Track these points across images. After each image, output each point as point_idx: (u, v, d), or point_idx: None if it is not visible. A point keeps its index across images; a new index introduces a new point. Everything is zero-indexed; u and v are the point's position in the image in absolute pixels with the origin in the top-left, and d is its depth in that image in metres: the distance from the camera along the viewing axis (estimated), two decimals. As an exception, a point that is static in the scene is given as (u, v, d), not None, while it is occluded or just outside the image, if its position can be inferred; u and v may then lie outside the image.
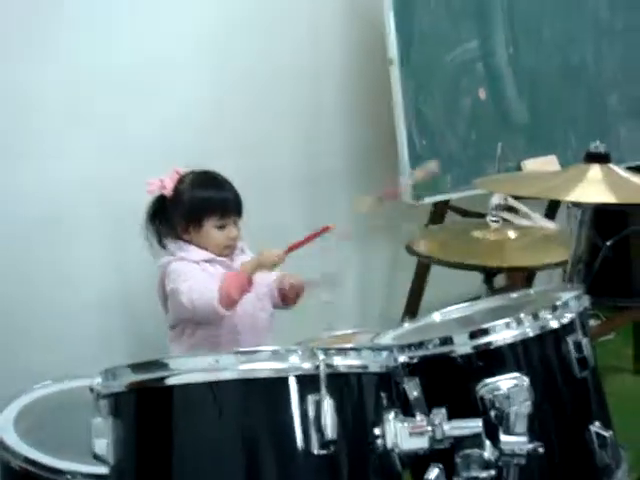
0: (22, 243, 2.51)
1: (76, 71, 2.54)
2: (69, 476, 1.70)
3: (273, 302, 2.39)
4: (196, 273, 2.25)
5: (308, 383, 1.31)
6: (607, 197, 1.93)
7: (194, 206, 2.29)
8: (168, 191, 2.32)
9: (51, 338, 2.56)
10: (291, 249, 2.24)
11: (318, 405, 1.28)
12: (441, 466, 1.45)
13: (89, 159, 2.59)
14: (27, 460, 1.77)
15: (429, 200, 3.04)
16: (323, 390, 1.29)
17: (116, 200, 2.64)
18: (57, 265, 2.59)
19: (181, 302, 2.21)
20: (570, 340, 1.64)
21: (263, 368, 1.31)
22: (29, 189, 2.50)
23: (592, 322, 3.86)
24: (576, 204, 2.05)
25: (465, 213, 3.25)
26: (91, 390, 1.41)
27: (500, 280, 3.37)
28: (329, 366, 1.31)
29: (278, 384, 1.31)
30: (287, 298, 2.37)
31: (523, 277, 3.59)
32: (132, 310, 2.76)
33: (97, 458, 1.40)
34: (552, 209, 3.62)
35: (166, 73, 2.73)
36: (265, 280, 2.35)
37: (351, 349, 1.39)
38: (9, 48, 2.42)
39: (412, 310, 3.19)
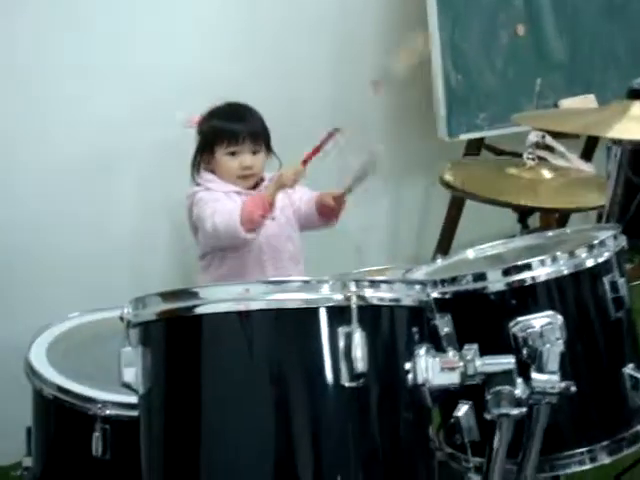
0: (60, 188, 2.52)
1: (114, 17, 2.53)
2: (100, 405, 1.72)
3: (313, 222, 2.39)
4: (222, 202, 2.27)
5: (339, 315, 1.29)
6: (650, 134, 1.88)
7: (206, 134, 2.34)
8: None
9: (83, 279, 2.58)
10: (306, 161, 2.25)
11: (349, 337, 1.27)
12: (470, 403, 1.44)
13: (121, 100, 2.58)
14: (59, 388, 1.80)
15: (464, 137, 2.99)
16: (354, 322, 1.27)
17: (150, 138, 2.63)
18: (89, 207, 2.59)
19: (205, 228, 2.25)
20: (606, 279, 1.61)
21: (293, 298, 1.29)
22: (59, 134, 2.50)
23: (627, 265, 3.84)
24: (616, 142, 2.00)
25: (500, 152, 3.19)
26: (121, 319, 1.41)
27: (534, 220, 3.34)
28: (361, 298, 1.29)
29: (308, 315, 1.30)
30: (329, 214, 2.36)
31: (557, 218, 3.55)
32: (163, 249, 2.77)
33: (126, 386, 1.40)
34: (589, 150, 3.56)
35: (199, 29, 2.70)
36: (289, 207, 2.36)
37: (383, 281, 1.36)
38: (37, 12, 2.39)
39: (444, 248, 3.17)
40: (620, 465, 2.36)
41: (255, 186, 2.35)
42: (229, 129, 2.30)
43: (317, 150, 2.26)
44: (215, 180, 2.33)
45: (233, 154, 2.30)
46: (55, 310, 2.14)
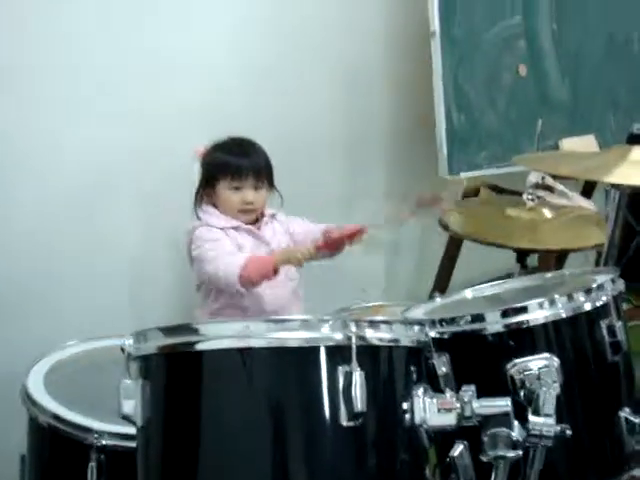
0: (56, 212, 2.51)
1: (114, 40, 2.52)
2: (96, 434, 1.72)
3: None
4: (222, 242, 2.27)
5: (339, 354, 1.30)
6: (649, 180, 1.90)
7: (209, 167, 2.34)
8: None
9: (83, 304, 2.57)
10: (320, 248, 2.24)
11: (348, 376, 1.28)
12: (466, 443, 1.45)
13: (124, 127, 2.58)
14: (55, 417, 1.79)
15: (464, 175, 3.01)
16: (354, 361, 1.28)
17: (150, 168, 2.64)
18: (90, 234, 2.59)
19: (205, 270, 2.25)
20: (604, 323, 1.63)
21: (294, 337, 1.31)
22: (67, 156, 2.49)
23: (623, 306, 3.84)
24: (615, 186, 2.02)
25: (500, 190, 3.21)
26: (122, 350, 1.42)
27: (532, 259, 3.35)
28: (361, 338, 1.31)
29: (308, 354, 1.31)
30: (335, 247, 2.32)
31: (555, 258, 3.56)
32: (163, 278, 2.77)
33: (125, 418, 1.40)
34: (588, 191, 3.58)
35: (202, 38, 2.71)
36: (287, 238, 2.37)
37: (383, 322, 1.38)
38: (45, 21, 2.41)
39: (442, 286, 3.17)
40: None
41: (255, 221, 2.36)
42: (233, 164, 2.30)
43: (334, 243, 2.25)
44: (215, 214, 2.33)
45: (236, 189, 2.31)
46: (53, 337, 2.13)
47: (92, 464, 1.71)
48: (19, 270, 2.45)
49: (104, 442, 1.71)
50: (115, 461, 1.71)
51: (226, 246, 2.27)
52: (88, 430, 1.73)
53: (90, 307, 2.57)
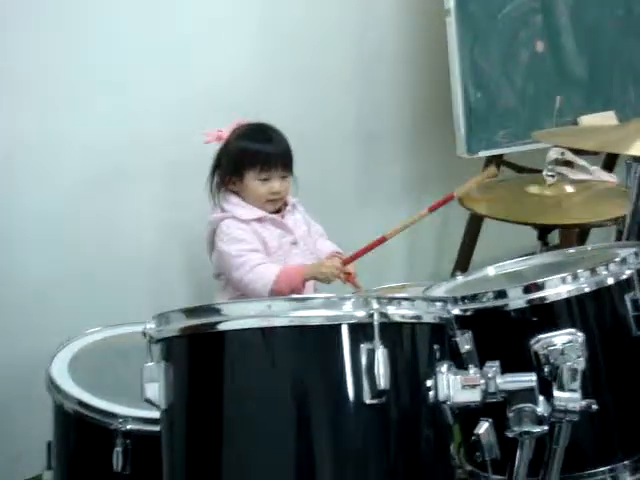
0: (74, 203, 2.52)
1: (127, 30, 2.52)
2: (121, 419, 1.73)
3: None
4: (247, 245, 2.26)
5: (361, 332, 1.30)
6: (671, 151, 1.88)
7: (236, 157, 2.30)
8: (223, 141, 2.34)
9: (104, 295, 2.58)
10: (348, 261, 2.29)
11: (371, 354, 1.27)
12: (490, 420, 1.44)
13: (142, 115, 2.58)
14: (80, 403, 1.81)
15: (483, 154, 2.99)
16: (377, 339, 1.28)
17: (169, 155, 2.64)
18: (109, 224, 2.60)
19: (231, 274, 2.26)
20: (628, 297, 1.61)
21: (316, 315, 1.30)
22: (79, 148, 2.49)
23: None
24: (636, 159, 2.00)
25: (519, 169, 3.19)
26: (144, 334, 1.42)
27: (553, 237, 3.33)
28: (383, 315, 1.30)
29: (331, 332, 1.30)
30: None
31: (576, 234, 3.54)
32: (183, 264, 2.78)
33: (148, 402, 1.41)
34: (609, 166, 3.55)
35: (218, 31, 2.70)
36: (309, 237, 2.38)
37: (405, 299, 1.37)
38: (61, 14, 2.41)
39: (463, 265, 3.16)
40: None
41: (278, 210, 2.35)
42: (262, 153, 2.28)
43: (361, 254, 2.29)
44: (241, 204, 2.30)
45: (265, 180, 2.28)
46: (73, 327, 2.14)
47: (117, 449, 1.73)
48: (37, 261, 2.46)
49: (129, 427, 1.72)
50: (140, 445, 1.72)
51: (253, 254, 2.25)
52: (113, 415, 1.75)
53: (108, 298, 2.58)
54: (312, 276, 2.25)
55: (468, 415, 1.48)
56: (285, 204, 2.37)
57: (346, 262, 2.29)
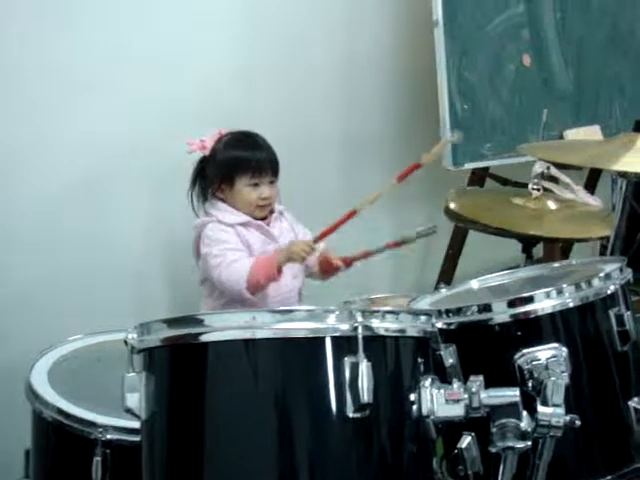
0: (59, 208, 2.50)
1: (112, 36, 2.51)
2: (101, 429, 1.71)
3: (308, 270, 2.40)
4: (229, 245, 2.26)
5: (345, 345, 1.29)
6: (656, 168, 1.89)
7: (226, 164, 2.30)
8: (207, 151, 2.35)
9: (87, 301, 2.56)
10: (319, 238, 2.26)
11: (355, 367, 1.27)
12: (473, 435, 1.44)
13: (126, 122, 2.57)
14: (59, 411, 1.78)
15: (468, 166, 2.99)
16: (360, 352, 1.27)
17: (154, 162, 2.62)
18: (94, 231, 2.58)
19: (210, 274, 2.25)
20: (612, 312, 1.61)
21: (299, 327, 1.29)
22: (66, 154, 2.48)
23: (634, 298, 3.82)
24: (621, 174, 2.01)
25: (505, 182, 3.19)
26: (125, 343, 1.40)
27: (537, 251, 3.33)
28: (367, 328, 1.30)
29: (314, 344, 1.30)
30: (325, 273, 2.38)
31: (560, 249, 3.55)
32: (170, 272, 2.76)
33: (129, 412, 1.40)
34: (593, 181, 3.56)
35: (200, 35, 2.69)
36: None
37: (389, 312, 1.36)
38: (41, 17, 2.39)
39: (447, 277, 3.16)
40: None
41: (264, 217, 2.35)
42: (255, 160, 2.29)
43: (333, 229, 2.27)
44: (228, 209, 2.30)
45: (255, 185, 2.29)
46: (55, 333, 2.12)
47: (97, 459, 1.70)
48: (18, 267, 2.44)
49: (109, 436, 1.70)
50: (120, 455, 1.70)
51: (231, 252, 2.25)
52: (93, 424, 1.73)
53: (91, 303, 2.56)
54: (285, 259, 2.23)
55: (451, 429, 1.48)
56: (272, 211, 2.37)
57: (316, 240, 2.27)
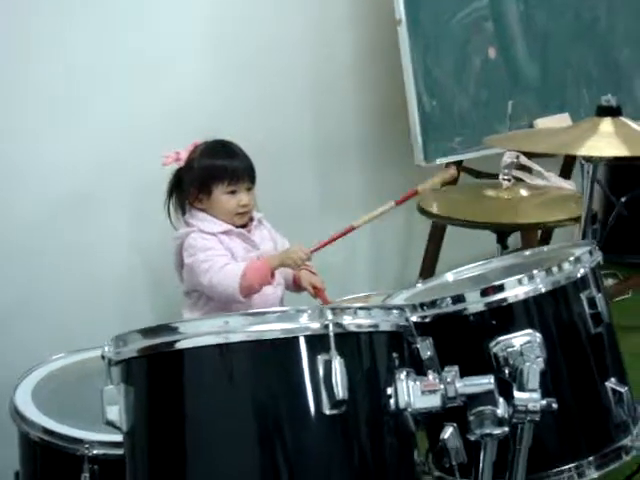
0: (44, 223, 2.51)
1: (91, 53, 2.52)
2: (87, 445, 1.72)
3: (285, 282, 2.42)
4: (215, 251, 2.26)
5: (317, 343, 1.30)
6: (619, 150, 1.91)
7: (203, 173, 2.31)
8: (182, 162, 2.35)
9: (73, 314, 2.57)
10: (317, 249, 2.30)
11: (328, 365, 1.28)
12: (455, 425, 1.45)
13: (106, 138, 2.58)
14: (45, 430, 1.79)
15: (440, 161, 3.01)
16: (332, 350, 1.28)
17: (134, 177, 2.64)
18: (73, 247, 2.58)
19: (200, 281, 2.25)
20: (583, 296, 1.63)
21: (272, 329, 1.30)
22: (49, 170, 2.49)
23: (610, 281, 3.86)
24: (588, 159, 2.03)
25: (478, 174, 3.22)
26: (102, 357, 1.41)
27: (517, 242, 3.35)
28: (338, 325, 1.31)
29: (288, 345, 1.31)
30: (299, 288, 2.41)
31: (539, 236, 3.58)
32: (155, 285, 2.77)
33: (110, 424, 1.40)
34: (567, 168, 3.59)
35: (168, 47, 2.70)
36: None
37: (361, 308, 1.38)
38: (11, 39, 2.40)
39: (428, 273, 3.17)
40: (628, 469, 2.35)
41: (244, 225, 2.35)
42: (229, 168, 2.29)
43: (329, 242, 2.32)
44: (207, 219, 2.31)
45: (232, 193, 2.30)
46: (41, 351, 2.13)
47: (85, 475, 1.71)
48: (3, 283, 2.44)
49: (95, 452, 1.71)
50: (108, 470, 1.71)
51: (220, 257, 2.25)
52: (79, 441, 1.73)
53: (77, 320, 2.57)
54: (280, 264, 2.24)
55: (434, 421, 1.49)
56: (251, 219, 2.38)
57: (313, 250, 2.29)
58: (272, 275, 2.23)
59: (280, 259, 2.25)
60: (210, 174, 2.30)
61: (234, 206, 2.30)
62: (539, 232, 3.58)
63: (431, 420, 1.55)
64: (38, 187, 2.48)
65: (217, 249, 2.27)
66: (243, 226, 2.35)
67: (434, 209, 2.43)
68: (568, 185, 2.75)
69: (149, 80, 2.65)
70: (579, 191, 2.36)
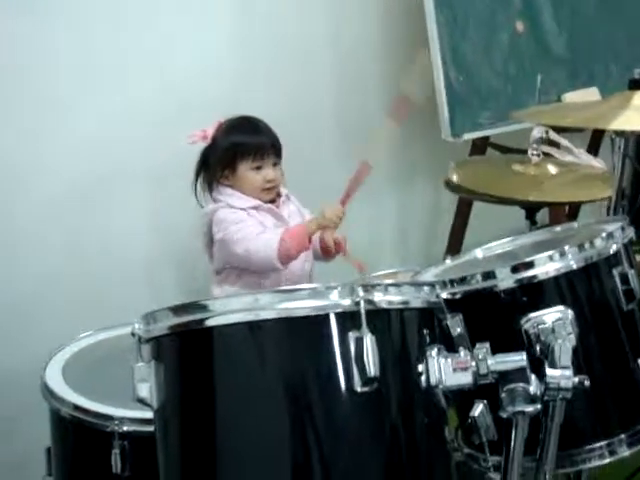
0: (63, 210, 2.53)
1: (107, 36, 2.52)
2: (117, 421, 1.74)
3: (314, 254, 2.41)
4: (247, 223, 2.27)
5: (348, 320, 1.29)
6: (652, 124, 1.88)
7: (227, 150, 2.31)
8: (209, 140, 2.35)
9: (97, 301, 2.58)
10: (345, 200, 2.28)
11: (359, 342, 1.27)
12: (485, 402, 1.44)
13: (125, 121, 2.59)
14: (76, 407, 1.81)
15: (468, 137, 2.99)
16: (364, 327, 1.27)
17: (154, 158, 2.64)
18: (100, 228, 2.61)
19: (234, 252, 2.25)
20: (616, 272, 1.61)
21: (302, 306, 1.30)
22: (65, 157, 2.50)
23: (638, 258, 3.82)
24: (619, 133, 2.00)
25: (506, 150, 3.19)
26: (133, 335, 1.41)
27: (544, 218, 3.33)
28: (369, 302, 1.30)
29: (318, 322, 1.30)
30: (328, 252, 2.38)
31: (566, 214, 3.54)
32: (178, 266, 2.77)
33: (141, 402, 1.41)
34: (595, 143, 3.55)
35: (195, 30, 2.70)
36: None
37: (391, 285, 1.36)
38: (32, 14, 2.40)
39: (454, 249, 3.16)
40: (630, 466, 2.36)
41: (272, 201, 2.35)
42: (254, 143, 2.29)
43: (354, 187, 2.28)
44: (236, 194, 2.31)
45: (258, 168, 2.30)
46: (66, 331, 2.14)
47: (115, 451, 1.73)
48: (34, 262, 2.46)
49: (125, 428, 1.73)
50: (138, 446, 1.73)
51: (252, 226, 2.26)
52: (109, 418, 1.75)
53: (106, 298, 2.58)
54: (317, 227, 2.25)
55: (464, 398, 1.48)
56: (279, 195, 2.37)
57: (343, 202, 2.28)
58: (310, 241, 2.23)
59: (317, 222, 2.25)
60: (235, 150, 2.30)
61: (260, 182, 2.30)
62: (567, 208, 3.56)
63: (461, 397, 1.55)
64: (59, 172, 2.50)
65: (248, 221, 2.27)
66: (271, 202, 2.35)
67: (461, 182, 2.40)
68: (598, 163, 2.72)
69: (167, 59, 2.66)
70: (608, 169, 2.33)
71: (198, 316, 1.32)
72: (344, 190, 2.30)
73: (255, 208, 2.31)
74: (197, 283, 2.69)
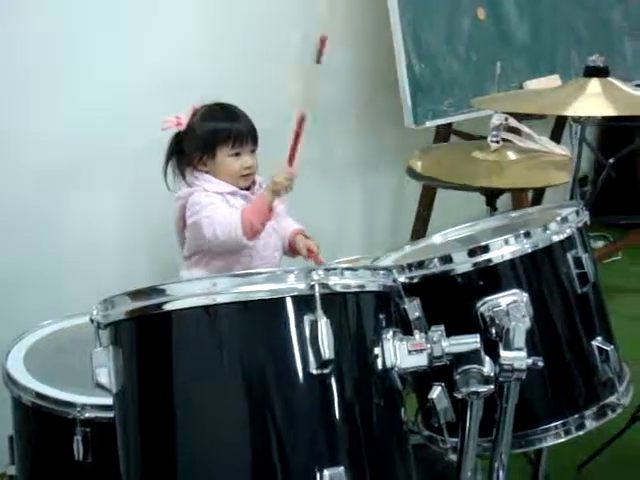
0: (39, 193, 2.52)
1: (79, 25, 2.51)
2: (79, 408, 1.74)
3: (283, 248, 2.44)
4: (218, 205, 2.27)
5: (304, 304, 1.31)
6: (607, 110, 1.91)
7: (206, 137, 2.31)
8: (183, 127, 2.35)
9: (74, 282, 2.58)
10: (292, 159, 2.26)
11: (314, 325, 1.29)
12: (443, 385, 1.47)
13: (100, 103, 2.58)
14: (37, 394, 1.81)
15: (430, 124, 3.01)
16: (319, 310, 1.29)
17: (130, 142, 2.63)
18: (77, 212, 2.60)
19: (203, 234, 2.25)
20: (570, 255, 1.63)
21: (259, 290, 1.31)
22: (43, 139, 2.49)
23: (600, 243, 3.87)
24: (576, 119, 2.03)
25: (469, 137, 3.21)
26: (91, 320, 1.42)
27: (507, 204, 3.36)
28: (324, 286, 1.31)
29: (274, 305, 1.31)
30: (295, 252, 2.42)
31: (529, 200, 3.58)
32: (153, 249, 2.77)
33: (100, 387, 1.41)
34: (558, 132, 3.59)
35: (166, 15, 2.70)
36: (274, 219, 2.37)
37: (347, 269, 1.38)
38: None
39: (418, 236, 3.19)
40: (584, 454, 2.41)
41: (247, 188, 2.36)
42: (234, 130, 2.30)
43: (296, 142, 2.26)
44: (211, 180, 2.31)
45: (237, 155, 2.30)
46: (35, 318, 2.13)
47: (77, 438, 1.74)
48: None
49: (87, 415, 1.74)
50: (100, 433, 1.74)
51: (222, 208, 2.27)
52: (71, 405, 1.76)
53: (77, 286, 2.58)
54: (272, 195, 2.24)
55: (424, 381, 1.51)
56: (254, 182, 2.38)
57: (290, 160, 2.27)
58: (270, 211, 2.24)
59: (269, 190, 2.25)
60: (214, 137, 2.31)
61: (238, 168, 2.31)
62: (530, 194, 3.59)
63: (420, 381, 1.58)
64: (30, 159, 2.48)
65: (219, 204, 2.28)
66: (247, 189, 2.36)
67: (421, 170, 2.42)
68: (561, 150, 2.74)
69: (141, 43, 2.64)
70: (571, 156, 2.35)
71: (156, 300, 1.33)
72: (289, 149, 2.29)
73: (232, 194, 2.32)
74: (170, 268, 2.69)
